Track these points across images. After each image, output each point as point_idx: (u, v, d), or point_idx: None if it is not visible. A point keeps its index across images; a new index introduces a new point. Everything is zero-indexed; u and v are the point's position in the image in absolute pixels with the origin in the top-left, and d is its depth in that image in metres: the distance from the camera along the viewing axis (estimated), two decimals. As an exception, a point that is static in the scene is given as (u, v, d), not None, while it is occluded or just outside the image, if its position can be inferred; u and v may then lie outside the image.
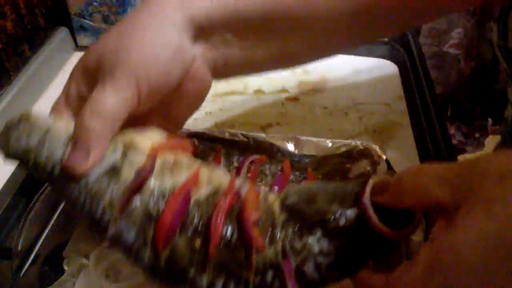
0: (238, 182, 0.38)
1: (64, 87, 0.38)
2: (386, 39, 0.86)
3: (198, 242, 0.34)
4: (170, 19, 0.36)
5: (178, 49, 0.36)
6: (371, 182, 0.34)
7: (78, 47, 0.93)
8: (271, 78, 0.74)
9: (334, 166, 0.52)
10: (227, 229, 0.34)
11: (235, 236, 0.34)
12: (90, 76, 0.36)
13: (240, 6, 0.37)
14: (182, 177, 0.35)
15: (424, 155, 0.63)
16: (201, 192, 0.36)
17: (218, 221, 0.34)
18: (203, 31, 0.37)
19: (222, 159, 0.52)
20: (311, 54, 0.46)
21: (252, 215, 0.34)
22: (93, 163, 0.33)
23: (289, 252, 0.34)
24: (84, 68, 0.36)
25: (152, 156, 0.35)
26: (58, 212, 0.45)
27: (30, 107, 0.78)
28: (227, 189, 0.36)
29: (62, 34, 0.89)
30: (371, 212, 0.33)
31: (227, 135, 0.55)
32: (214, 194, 0.36)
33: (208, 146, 0.53)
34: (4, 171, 0.65)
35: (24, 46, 0.80)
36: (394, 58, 0.82)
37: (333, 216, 0.34)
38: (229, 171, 0.50)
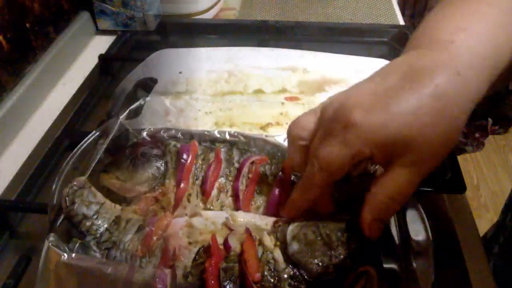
0: (222, 232, 0.44)
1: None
2: (386, 39, 0.90)
3: None
4: (473, 99, 0.37)
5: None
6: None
7: (98, 31, 0.98)
8: (271, 78, 0.73)
9: None
10: (228, 287, 0.39)
11: None
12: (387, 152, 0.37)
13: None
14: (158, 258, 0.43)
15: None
16: (184, 262, 0.42)
17: (211, 282, 0.39)
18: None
19: (223, 161, 0.52)
20: None
21: (255, 276, 0.39)
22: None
23: None
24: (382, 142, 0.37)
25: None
26: (90, 170, 0.50)
27: (54, 84, 0.84)
28: (209, 245, 0.42)
29: (84, 17, 0.95)
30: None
31: (227, 136, 0.55)
32: (200, 253, 0.42)
33: (208, 146, 0.54)
34: (38, 131, 0.72)
35: (49, 27, 0.86)
36: (394, 58, 0.84)
37: (334, 272, 0.40)
38: (229, 173, 0.51)
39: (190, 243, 0.43)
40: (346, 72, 0.76)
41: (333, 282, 0.40)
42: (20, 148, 0.70)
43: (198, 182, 0.50)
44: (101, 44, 0.94)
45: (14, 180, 0.63)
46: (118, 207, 0.49)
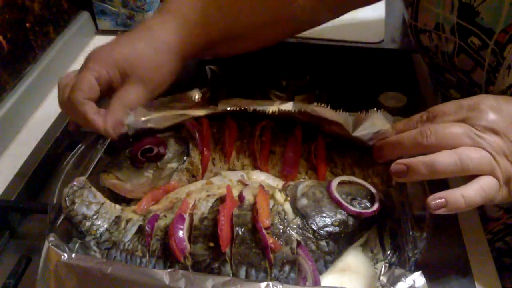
0: (238, 187, 0.48)
1: (94, 70, 0.53)
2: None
3: (211, 244, 0.42)
4: (169, 49, 0.56)
5: (173, 70, 0.57)
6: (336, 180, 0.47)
7: (98, 31, 0.98)
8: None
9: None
10: (239, 230, 0.42)
11: (248, 236, 0.42)
12: (123, 72, 0.53)
13: (208, 35, 0.59)
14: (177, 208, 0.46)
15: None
16: (202, 209, 0.45)
17: (222, 223, 0.42)
18: (185, 48, 0.58)
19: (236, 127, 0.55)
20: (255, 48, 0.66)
21: (265, 222, 0.42)
22: (117, 132, 0.51)
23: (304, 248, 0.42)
24: (118, 65, 0.54)
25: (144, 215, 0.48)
26: (90, 170, 0.50)
27: (54, 85, 0.83)
28: (225, 196, 0.45)
29: (84, 17, 0.95)
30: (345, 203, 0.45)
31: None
32: (217, 202, 0.45)
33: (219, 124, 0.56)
34: (38, 131, 0.72)
35: (49, 27, 0.86)
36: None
37: (338, 226, 0.44)
38: (243, 136, 0.54)
39: (208, 195, 0.47)
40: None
41: (337, 232, 0.44)
42: (20, 148, 0.70)
43: (218, 147, 0.55)
44: (101, 44, 0.93)
45: (14, 180, 0.63)
46: (118, 207, 0.49)
